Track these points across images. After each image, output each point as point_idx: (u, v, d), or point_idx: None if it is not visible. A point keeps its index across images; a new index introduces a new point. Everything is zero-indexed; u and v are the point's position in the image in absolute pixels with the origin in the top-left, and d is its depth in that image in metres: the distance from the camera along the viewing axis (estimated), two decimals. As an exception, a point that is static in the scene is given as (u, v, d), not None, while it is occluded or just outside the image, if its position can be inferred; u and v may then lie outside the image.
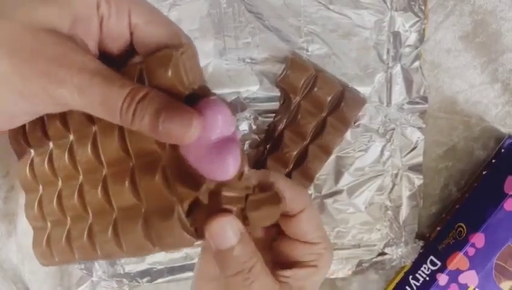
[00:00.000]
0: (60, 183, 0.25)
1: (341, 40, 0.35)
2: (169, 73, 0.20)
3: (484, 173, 0.36)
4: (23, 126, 0.25)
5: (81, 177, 0.24)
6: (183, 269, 0.38)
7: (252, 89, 0.35)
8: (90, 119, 0.23)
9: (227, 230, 0.21)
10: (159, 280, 0.37)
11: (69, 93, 0.19)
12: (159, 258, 0.37)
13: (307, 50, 0.35)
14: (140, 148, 0.21)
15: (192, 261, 0.37)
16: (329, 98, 0.35)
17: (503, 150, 0.36)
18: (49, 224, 0.25)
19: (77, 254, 0.24)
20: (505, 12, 0.36)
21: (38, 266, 0.36)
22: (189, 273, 0.37)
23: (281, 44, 0.35)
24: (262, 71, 0.35)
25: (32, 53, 0.19)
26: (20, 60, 0.19)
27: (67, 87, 0.19)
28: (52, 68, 0.19)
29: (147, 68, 0.21)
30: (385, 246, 0.38)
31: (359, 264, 0.38)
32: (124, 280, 0.37)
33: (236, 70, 0.35)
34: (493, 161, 0.36)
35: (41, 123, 0.25)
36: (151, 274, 0.37)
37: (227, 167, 0.20)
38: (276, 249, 0.26)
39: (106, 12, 0.21)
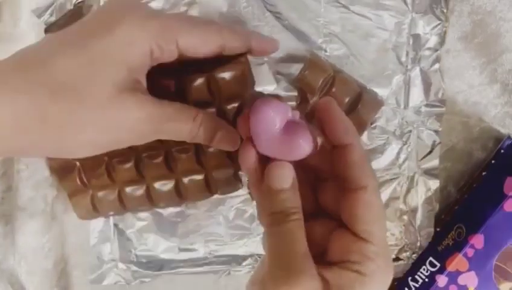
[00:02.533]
0: (106, 157, 0.33)
1: (360, 41, 0.35)
2: (240, 83, 0.29)
3: (483, 173, 0.36)
4: None
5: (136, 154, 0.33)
6: (196, 262, 0.38)
7: (269, 88, 0.35)
8: None
9: (285, 173, 0.23)
10: (171, 271, 0.37)
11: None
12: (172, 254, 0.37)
13: (325, 50, 0.35)
14: None
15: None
16: (346, 99, 0.35)
17: (502, 151, 0.36)
18: (91, 190, 0.34)
19: (130, 206, 0.34)
20: (504, 13, 0.36)
21: (35, 266, 0.37)
22: (200, 268, 0.37)
23: (299, 44, 0.35)
24: (279, 71, 0.35)
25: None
26: None
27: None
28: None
29: (214, 78, 0.28)
30: (400, 251, 0.37)
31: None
32: (134, 266, 0.37)
33: (254, 69, 0.35)
34: (492, 161, 0.36)
35: None
36: (163, 265, 0.37)
37: (301, 147, 0.23)
38: (318, 232, 0.24)
39: (159, 54, 0.25)
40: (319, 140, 0.24)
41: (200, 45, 0.26)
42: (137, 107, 0.24)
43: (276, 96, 0.25)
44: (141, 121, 0.25)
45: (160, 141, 0.30)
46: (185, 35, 0.25)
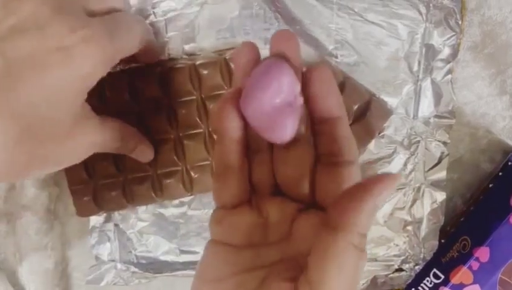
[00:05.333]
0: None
1: (372, 49, 0.35)
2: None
3: (490, 186, 0.36)
4: None
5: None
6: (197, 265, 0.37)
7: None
8: None
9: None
10: (171, 273, 0.37)
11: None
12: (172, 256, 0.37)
13: (336, 57, 0.35)
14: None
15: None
16: (355, 107, 0.34)
17: (510, 163, 0.36)
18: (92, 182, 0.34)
19: (133, 201, 0.35)
20: (514, 24, 0.36)
21: (36, 266, 0.37)
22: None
23: (310, 50, 0.35)
24: (289, 75, 0.35)
25: None
26: None
27: None
28: None
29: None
30: (402, 262, 0.37)
31: (374, 279, 0.37)
32: (133, 267, 0.37)
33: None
34: (500, 173, 0.36)
35: None
36: (163, 267, 0.37)
37: (284, 132, 0.20)
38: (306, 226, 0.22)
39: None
40: (303, 127, 0.22)
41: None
42: (91, 132, 0.26)
43: (291, 61, 0.21)
44: (94, 145, 0.27)
45: (170, 126, 0.34)
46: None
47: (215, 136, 0.34)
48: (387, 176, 0.18)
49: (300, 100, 0.21)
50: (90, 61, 0.23)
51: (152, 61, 0.34)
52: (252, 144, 0.23)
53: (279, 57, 0.21)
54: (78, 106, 0.25)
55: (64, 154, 0.25)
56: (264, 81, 0.20)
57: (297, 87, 0.20)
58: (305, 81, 0.21)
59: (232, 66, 0.33)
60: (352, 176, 0.21)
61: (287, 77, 0.20)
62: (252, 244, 0.22)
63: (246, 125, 0.22)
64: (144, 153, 0.33)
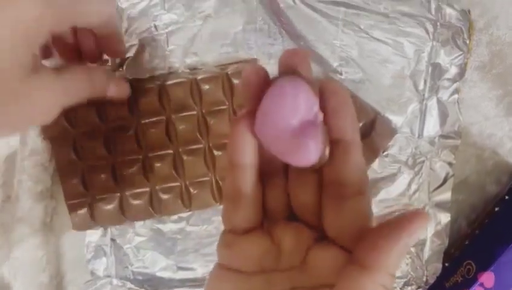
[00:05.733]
0: (113, 158, 0.34)
1: (377, 67, 0.34)
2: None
3: (496, 209, 0.35)
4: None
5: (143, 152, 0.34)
6: (194, 282, 0.36)
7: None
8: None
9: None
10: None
11: None
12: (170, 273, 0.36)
13: (341, 74, 0.34)
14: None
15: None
16: (360, 125, 0.34)
17: None
18: (89, 196, 0.34)
19: (131, 216, 0.34)
20: (523, 44, 0.35)
21: (30, 280, 0.36)
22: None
23: (314, 66, 0.34)
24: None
25: None
26: None
27: None
28: None
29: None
30: (404, 284, 0.36)
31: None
32: (129, 283, 0.36)
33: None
34: (506, 197, 0.35)
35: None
36: (160, 283, 0.36)
37: (308, 154, 0.18)
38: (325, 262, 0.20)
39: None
40: (327, 150, 0.19)
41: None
42: (48, 87, 0.24)
43: (304, 78, 0.19)
44: (56, 100, 0.25)
45: (170, 141, 0.34)
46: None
47: (215, 152, 0.34)
48: (418, 215, 0.17)
49: (321, 117, 0.19)
50: (33, 4, 0.22)
51: (116, 56, 0.33)
52: (266, 166, 0.21)
53: (291, 73, 0.19)
54: (26, 57, 0.23)
55: (20, 114, 0.24)
56: (280, 101, 0.18)
57: (316, 103, 0.19)
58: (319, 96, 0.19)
59: (235, 81, 0.33)
60: (363, 209, 0.19)
61: (303, 94, 0.18)
62: (263, 271, 0.21)
63: (260, 148, 0.20)
64: (120, 88, 0.31)
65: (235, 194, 0.21)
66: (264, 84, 0.19)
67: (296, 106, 0.18)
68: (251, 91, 0.20)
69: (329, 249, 0.20)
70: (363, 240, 0.18)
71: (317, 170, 0.20)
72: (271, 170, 0.21)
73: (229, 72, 0.33)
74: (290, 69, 0.19)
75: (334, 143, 0.19)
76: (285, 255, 0.21)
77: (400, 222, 0.17)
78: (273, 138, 0.19)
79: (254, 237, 0.21)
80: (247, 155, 0.20)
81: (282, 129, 0.18)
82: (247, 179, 0.20)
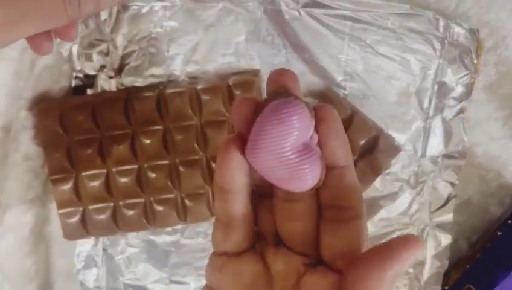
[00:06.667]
0: (107, 166, 0.33)
1: (382, 83, 0.33)
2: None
3: (499, 233, 0.34)
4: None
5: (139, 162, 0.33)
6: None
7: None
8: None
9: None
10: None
11: None
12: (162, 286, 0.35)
13: (344, 88, 0.33)
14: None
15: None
16: (362, 142, 0.33)
17: None
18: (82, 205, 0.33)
19: (124, 227, 0.33)
20: (531, 65, 0.35)
21: (18, 287, 0.34)
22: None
23: (317, 79, 0.33)
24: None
25: None
26: None
27: None
28: None
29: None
30: (402, 306, 0.35)
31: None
32: None
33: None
34: (509, 221, 0.34)
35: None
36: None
37: (305, 180, 0.18)
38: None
39: None
40: (323, 174, 0.18)
41: None
42: None
43: (300, 100, 0.18)
44: None
45: (167, 151, 0.33)
46: None
47: (213, 165, 0.33)
48: (410, 240, 0.16)
49: (315, 138, 0.18)
50: None
51: (68, 39, 0.29)
52: (258, 189, 0.21)
53: (283, 93, 0.18)
54: None
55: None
56: (272, 125, 0.17)
57: (312, 126, 0.18)
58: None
59: (236, 92, 0.32)
60: (359, 233, 0.19)
61: (299, 116, 0.17)
62: None
63: (252, 171, 0.19)
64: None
65: (226, 219, 0.20)
66: (256, 107, 0.18)
67: (291, 129, 0.17)
68: (243, 114, 0.19)
69: (323, 276, 0.19)
70: (355, 267, 0.17)
71: (304, 198, 0.19)
72: (263, 192, 0.21)
73: (230, 83, 0.32)
74: (281, 89, 0.18)
75: (328, 168, 0.19)
76: (277, 280, 0.20)
77: (393, 249, 0.16)
78: (267, 163, 0.18)
79: (246, 260, 0.20)
80: (238, 180, 0.19)
81: (276, 154, 0.17)
82: (238, 204, 0.20)
